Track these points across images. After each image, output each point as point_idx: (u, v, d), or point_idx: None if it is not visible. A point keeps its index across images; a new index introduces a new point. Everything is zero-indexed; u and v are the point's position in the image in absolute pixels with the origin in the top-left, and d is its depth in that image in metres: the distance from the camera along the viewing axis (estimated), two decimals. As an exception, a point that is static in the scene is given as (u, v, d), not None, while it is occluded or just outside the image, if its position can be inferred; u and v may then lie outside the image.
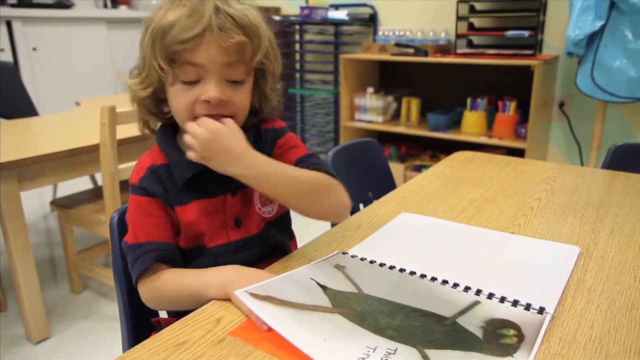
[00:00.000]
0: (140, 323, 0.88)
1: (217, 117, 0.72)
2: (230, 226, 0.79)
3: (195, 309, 0.65)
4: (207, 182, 0.77)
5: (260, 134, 0.82)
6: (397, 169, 2.85)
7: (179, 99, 0.73)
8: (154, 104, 0.78)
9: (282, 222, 0.86)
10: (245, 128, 0.77)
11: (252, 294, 0.63)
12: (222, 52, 0.69)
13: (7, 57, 3.28)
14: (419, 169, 2.87)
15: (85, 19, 3.68)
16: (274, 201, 0.82)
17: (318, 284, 0.68)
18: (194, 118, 0.72)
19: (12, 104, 2.42)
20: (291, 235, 0.90)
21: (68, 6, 3.62)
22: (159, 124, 0.82)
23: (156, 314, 0.87)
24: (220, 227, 0.78)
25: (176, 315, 0.79)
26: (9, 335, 1.72)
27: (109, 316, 1.84)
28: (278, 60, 0.79)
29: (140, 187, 0.76)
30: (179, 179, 0.76)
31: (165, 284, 0.73)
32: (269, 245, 0.82)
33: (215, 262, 0.76)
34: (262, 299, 0.62)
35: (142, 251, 0.73)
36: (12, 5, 3.34)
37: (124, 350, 0.91)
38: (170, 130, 0.80)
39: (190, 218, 0.76)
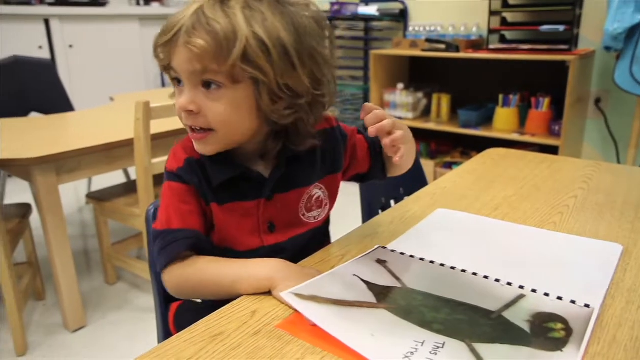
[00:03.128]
0: (175, 314, 0.89)
1: (195, 129, 0.69)
2: (264, 230, 0.76)
3: (229, 300, 0.66)
4: (243, 186, 0.74)
5: (335, 135, 0.81)
6: (427, 165, 2.82)
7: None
8: None
9: (322, 227, 0.84)
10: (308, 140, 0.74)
11: (297, 295, 0.63)
12: (188, 58, 0.63)
13: (45, 54, 3.38)
14: (449, 165, 2.84)
15: (119, 16, 3.76)
16: (323, 206, 0.81)
17: (361, 279, 0.68)
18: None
19: (50, 100, 2.50)
20: (327, 236, 0.88)
21: (102, 4, 3.71)
22: None
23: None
24: (252, 232, 0.75)
25: None
26: (47, 323, 1.78)
27: (142, 307, 1.88)
28: (288, 71, 0.64)
29: (177, 174, 0.73)
30: (215, 180, 0.73)
31: (200, 271, 0.70)
32: (300, 249, 0.79)
33: None
34: (307, 298, 0.62)
35: (175, 237, 0.71)
36: (50, 4, 3.44)
37: (159, 341, 0.93)
38: None
39: (221, 220, 0.74)
